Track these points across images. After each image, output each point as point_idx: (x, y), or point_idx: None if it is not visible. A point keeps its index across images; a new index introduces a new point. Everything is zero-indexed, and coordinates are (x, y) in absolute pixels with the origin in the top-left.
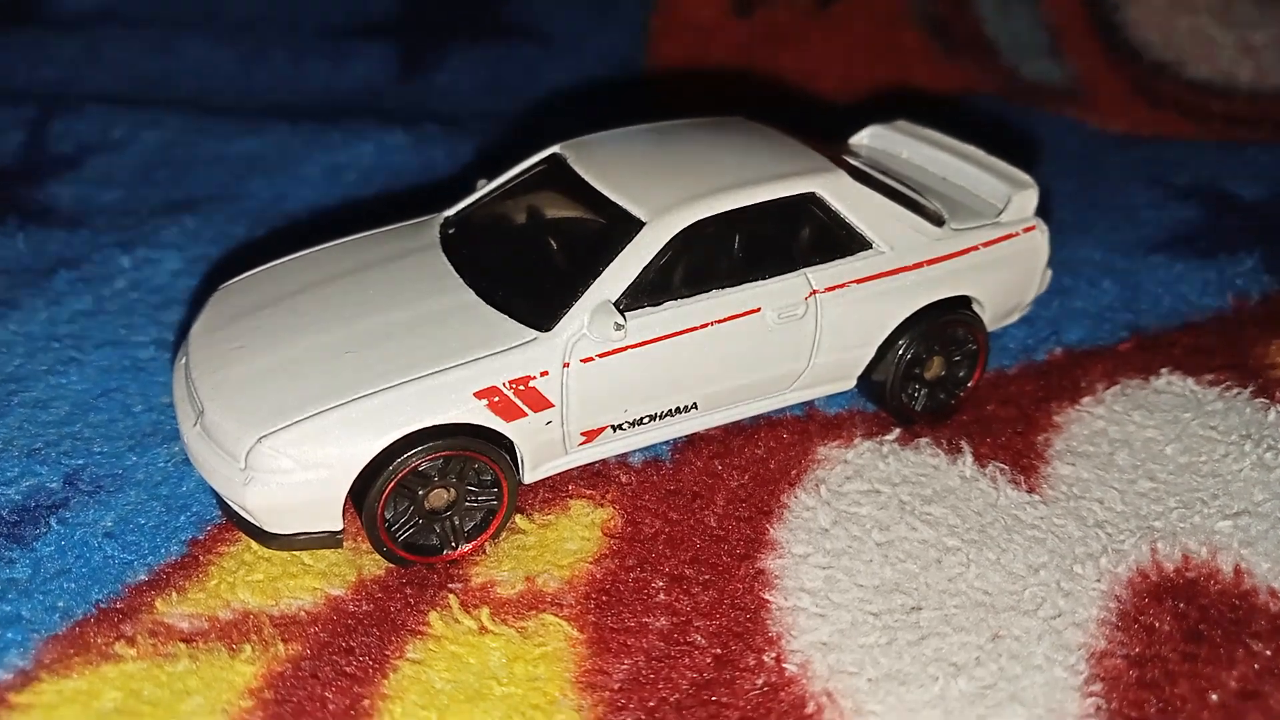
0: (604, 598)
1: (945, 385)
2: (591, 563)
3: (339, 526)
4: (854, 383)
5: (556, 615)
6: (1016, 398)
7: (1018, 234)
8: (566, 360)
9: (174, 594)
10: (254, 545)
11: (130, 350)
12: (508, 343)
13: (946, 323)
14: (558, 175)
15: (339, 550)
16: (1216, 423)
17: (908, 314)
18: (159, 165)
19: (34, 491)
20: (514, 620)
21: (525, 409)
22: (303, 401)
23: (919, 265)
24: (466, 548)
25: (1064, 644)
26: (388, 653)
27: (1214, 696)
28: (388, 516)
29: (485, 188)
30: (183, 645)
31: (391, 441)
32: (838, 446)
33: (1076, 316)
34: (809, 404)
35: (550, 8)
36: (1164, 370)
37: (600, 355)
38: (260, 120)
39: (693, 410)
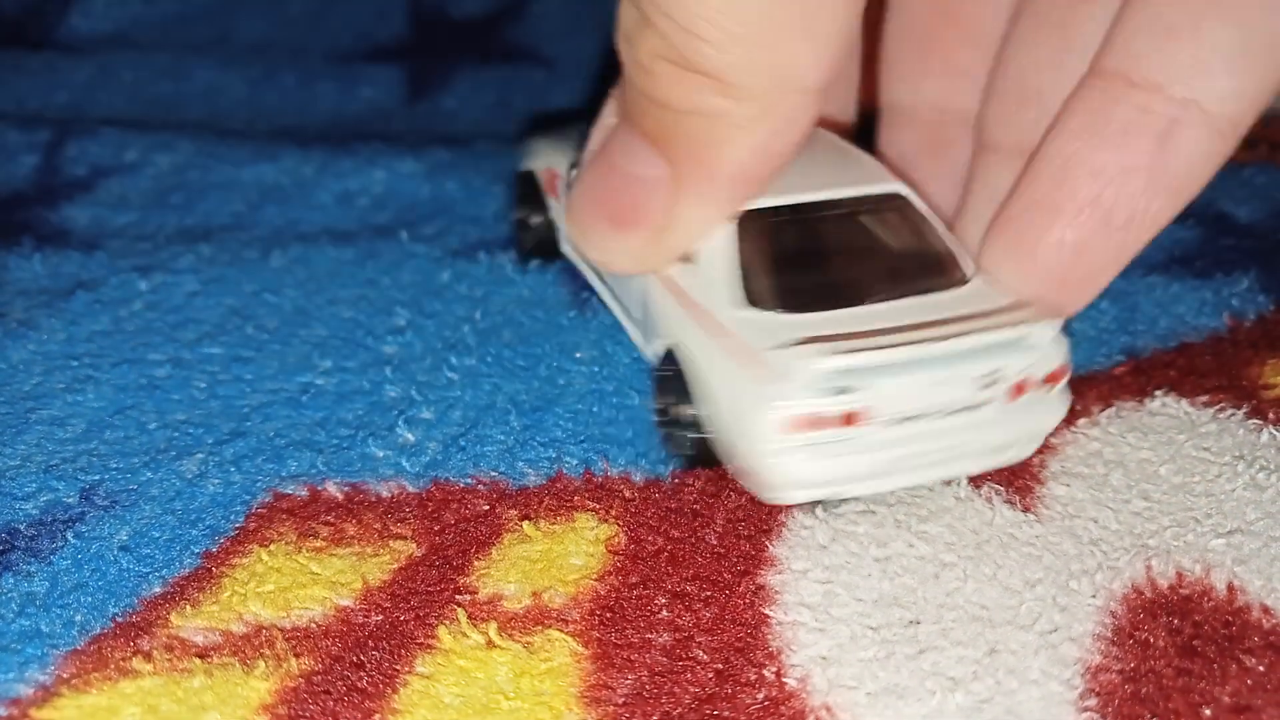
0: (608, 614)
1: None
2: (596, 579)
3: None
4: None
5: (562, 631)
6: None
7: None
8: None
9: (188, 606)
10: (264, 556)
11: (146, 369)
12: None
13: None
14: None
15: (342, 558)
16: (1210, 444)
17: None
18: (173, 188)
19: (51, 506)
20: (520, 635)
21: None
22: None
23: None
24: None
25: (1060, 658)
26: (397, 667)
27: (1207, 711)
28: None
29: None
30: (198, 661)
31: None
32: None
33: (1073, 339)
34: None
35: (553, 31)
36: (1159, 392)
37: None
38: (272, 145)
39: None
